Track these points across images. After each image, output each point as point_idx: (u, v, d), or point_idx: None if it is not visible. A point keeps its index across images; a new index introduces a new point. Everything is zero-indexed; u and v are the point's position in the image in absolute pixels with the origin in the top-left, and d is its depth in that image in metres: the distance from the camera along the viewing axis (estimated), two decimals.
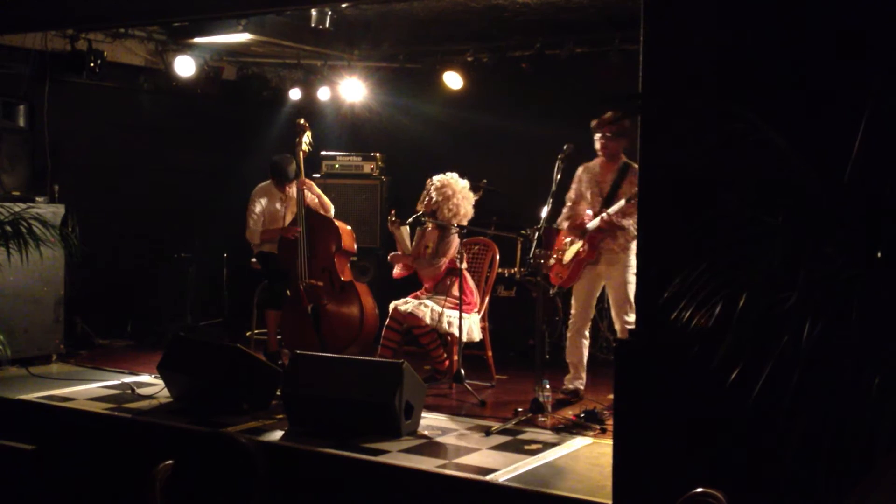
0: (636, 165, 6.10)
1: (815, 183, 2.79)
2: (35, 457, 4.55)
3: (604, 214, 5.95)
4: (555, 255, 6.12)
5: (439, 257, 6.56)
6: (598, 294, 6.20)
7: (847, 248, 2.67)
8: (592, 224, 6.00)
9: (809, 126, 3.18)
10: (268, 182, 7.29)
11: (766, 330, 2.59)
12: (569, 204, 6.20)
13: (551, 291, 5.97)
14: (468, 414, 5.76)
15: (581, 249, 6.05)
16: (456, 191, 6.56)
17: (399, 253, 6.83)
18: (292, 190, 7.20)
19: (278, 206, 7.25)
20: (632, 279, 6.03)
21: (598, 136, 6.08)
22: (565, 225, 6.19)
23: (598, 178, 6.17)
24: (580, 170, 6.23)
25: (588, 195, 6.15)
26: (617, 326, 6.15)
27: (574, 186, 6.25)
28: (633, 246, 6.00)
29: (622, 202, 5.89)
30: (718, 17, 3.59)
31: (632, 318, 6.01)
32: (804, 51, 3.37)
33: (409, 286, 6.88)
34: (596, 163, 6.17)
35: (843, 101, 3.02)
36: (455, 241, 6.51)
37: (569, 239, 6.15)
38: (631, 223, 5.89)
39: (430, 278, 6.64)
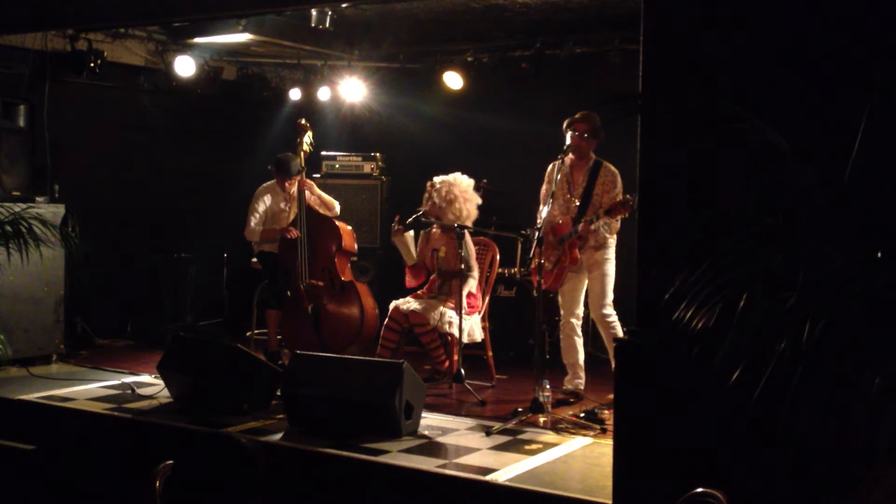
0: (607, 164, 6.12)
1: (815, 183, 2.79)
2: (35, 457, 4.55)
3: (579, 227, 5.95)
4: (541, 260, 6.11)
5: (472, 269, 6.47)
6: (584, 291, 6.20)
7: (847, 248, 2.67)
8: (566, 236, 6.02)
9: (809, 126, 3.18)
10: (271, 182, 7.29)
11: (766, 330, 2.59)
12: (543, 205, 6.12)
13: (534, 293, 5.94)
14: (468, 414, 5.76)
15: (563, 257, 6.05)
16: (459, 193, 6.49)
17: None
18: (293, 188, 7.20)
19: (282, 204, 7.24)
20: (610, 271, 6.04)
21: (569, 133, 6.07)
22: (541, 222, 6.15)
23: (569, 179, 6.17)
24: (551, 167, 6.20)
25: (560, 196, 6.14)
26: (594, 317, 6.15)
27: (546, 186, 6.24)
28: (612, 241, 6.05)
29: (600, 222, 5.88)
30: (718, 17, 3.59)
31: (608, 310, 6.02)
32: (804, 50, 3.37)
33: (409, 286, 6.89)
34: (567, 161, 6.15)
35: (843, 101, 3.02)
36: (470, 241, 6.49)
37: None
38: (604, 230, 5.95)
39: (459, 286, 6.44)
